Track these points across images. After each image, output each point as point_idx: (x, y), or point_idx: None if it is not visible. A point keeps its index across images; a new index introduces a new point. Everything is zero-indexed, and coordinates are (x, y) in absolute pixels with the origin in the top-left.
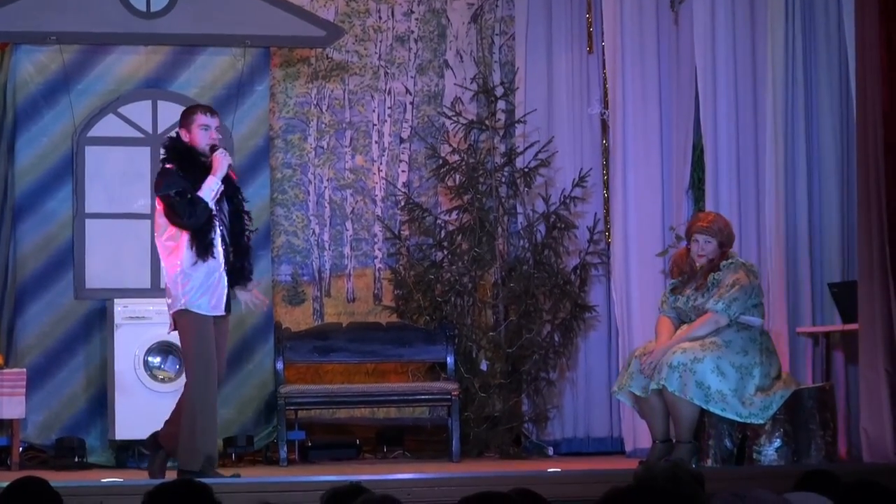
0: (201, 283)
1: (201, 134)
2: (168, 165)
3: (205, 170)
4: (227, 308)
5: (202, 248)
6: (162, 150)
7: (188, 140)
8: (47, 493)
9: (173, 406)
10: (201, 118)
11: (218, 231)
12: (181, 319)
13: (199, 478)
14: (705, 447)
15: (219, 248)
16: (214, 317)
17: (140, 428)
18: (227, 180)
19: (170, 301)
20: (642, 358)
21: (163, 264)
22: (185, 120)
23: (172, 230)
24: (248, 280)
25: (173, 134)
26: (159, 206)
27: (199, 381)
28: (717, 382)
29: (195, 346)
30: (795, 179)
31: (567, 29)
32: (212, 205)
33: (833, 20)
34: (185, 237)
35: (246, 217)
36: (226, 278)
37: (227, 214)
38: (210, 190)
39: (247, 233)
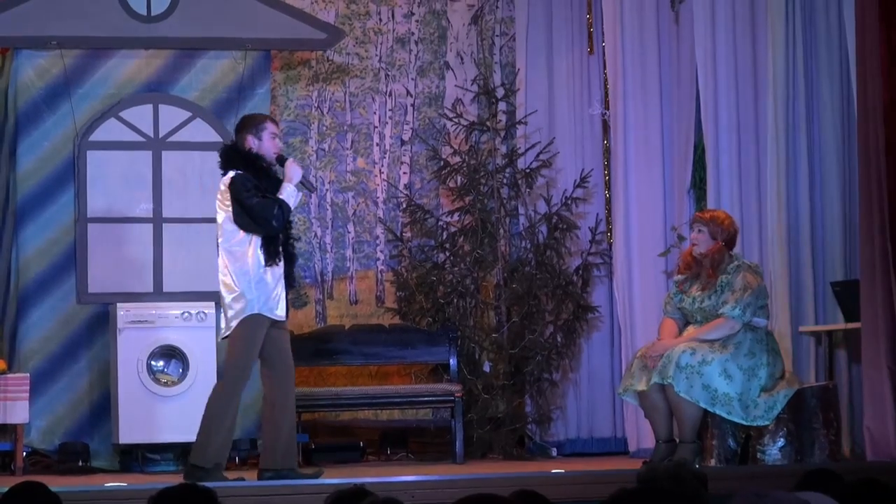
0: (272, 288)
1: (272, 143)
2: (238, 171)
3: (269, 177)
4: (288, 312)
5: (272, 254)
6: (220, 158)
7: (256, 147)
8: (46, 498)
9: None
10: (272, 127)
11: (280, 237)
12: (247, 323)
13: (206, 480)
14: (709, 447)
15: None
16: (278, 321)
17: (144, 432)
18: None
19: (239, 306)
20: (646, 351)
21: (229, 269)
22: (254, 128)
23: (241, 235)
24: (291, 286)
25: (228, 142)
26: (228, 211)
27: (233, 384)
28: (723, 385)
29: (246, 350)
30: (797, 178)
31: (567, 30)
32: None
33: (833, 18)
34: (255, 242)
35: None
36: (284, 282)
37: None
38: (290, 196)
39: (291, 241)
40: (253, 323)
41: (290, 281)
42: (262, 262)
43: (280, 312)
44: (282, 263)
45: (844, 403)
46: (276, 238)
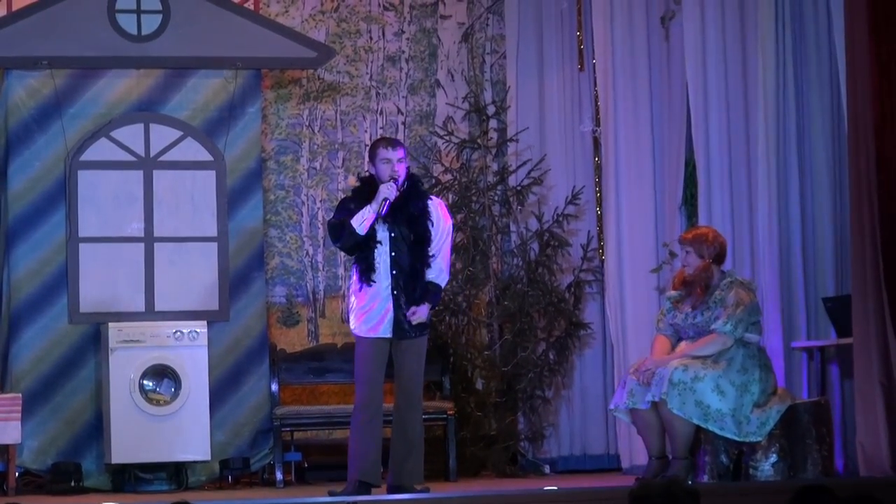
0: (361, 307)
1: (382, 167)
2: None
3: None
4: (399, 332)
5: (363, 273)
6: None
7: (374, 174)
8: None
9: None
10: (382, 152)
11: (383, 256)
12: (356, 339)
13: (352, 494)
14: (701, 463)
15: (383, 274)
16: (384, 339)
17: (136, 451)
18: (405, 209)
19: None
20: (639, 369)
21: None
22: (370, 155)
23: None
24: (415, 304)
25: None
26: None
27: (357, 401)
28: (716, 402)
29: (355, 367)
30: (788, 194)
31: (558, 47)
32: (360, 231)
33: (823, 35)
34: (355, 262)
35: (429, 245)
36: (394, 302)
37: (406, 241)
38: (360, 216)
39: (429, 260)
40: (356, 339)
41: (415, 299)
42: (359, 281)
43: (372, 331)
44: (382, 282)
45: (837, 419)
46: (365, 257)
